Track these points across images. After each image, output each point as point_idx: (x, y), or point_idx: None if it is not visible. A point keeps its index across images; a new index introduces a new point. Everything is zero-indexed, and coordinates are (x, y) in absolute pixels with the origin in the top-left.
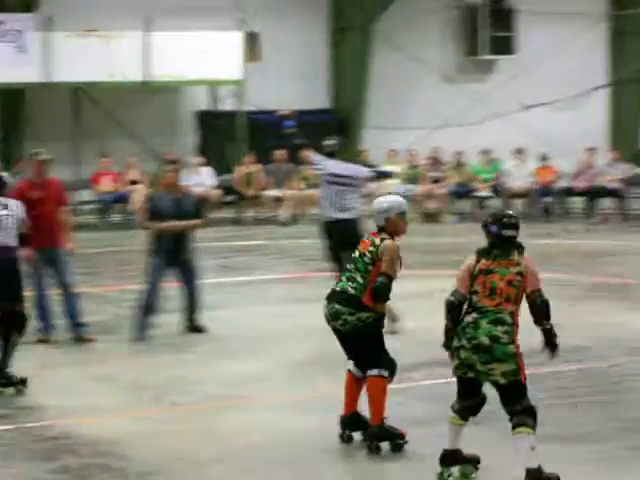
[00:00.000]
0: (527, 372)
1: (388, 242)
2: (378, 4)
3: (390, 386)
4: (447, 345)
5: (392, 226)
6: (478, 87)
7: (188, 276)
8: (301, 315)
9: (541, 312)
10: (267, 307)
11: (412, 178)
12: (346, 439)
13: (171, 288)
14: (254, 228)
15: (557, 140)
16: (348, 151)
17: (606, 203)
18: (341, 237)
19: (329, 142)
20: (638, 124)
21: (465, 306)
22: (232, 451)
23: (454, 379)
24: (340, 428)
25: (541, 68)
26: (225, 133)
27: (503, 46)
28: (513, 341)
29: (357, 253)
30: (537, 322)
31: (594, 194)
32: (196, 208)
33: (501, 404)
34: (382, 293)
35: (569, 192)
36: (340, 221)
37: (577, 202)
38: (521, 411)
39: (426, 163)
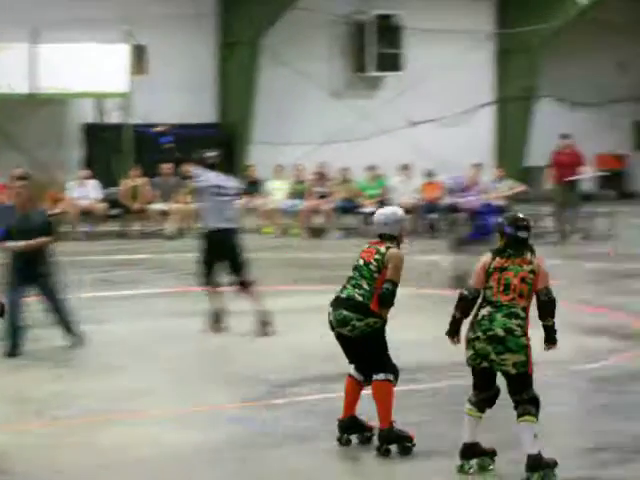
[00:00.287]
0: (405, 389)
1: (394, 250)
2: (266, 19)
3: (274, 401)
4: (450, 333)
5: (404, 234)
6: (365, 103)
7: (48, 292)
8: (183, 329)
9: (547, 309)
10: (149, 321)
11: (298, 193)
12: (344, 442)
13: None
14: (140, 242)
15: (443, 157)
16: (232, 165)
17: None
18: (221, 246)
19: (209, 154)
20: (523, 141)
21: (479, 300)
22: (114, 465)
23: (336, 395)
24: (338, 431)
25: (428, 85)
26: (111, 146)
27: (390, 63)
28: (525, 334)
29: (361, 261)
30: (541, 318)
31: (479, 211)
32: (45, 224)
33: (508, 393)
34: (388, 299)
35: (455, 208)
36: (223, 230)
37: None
38: (527, 400)
39: (312, 178)
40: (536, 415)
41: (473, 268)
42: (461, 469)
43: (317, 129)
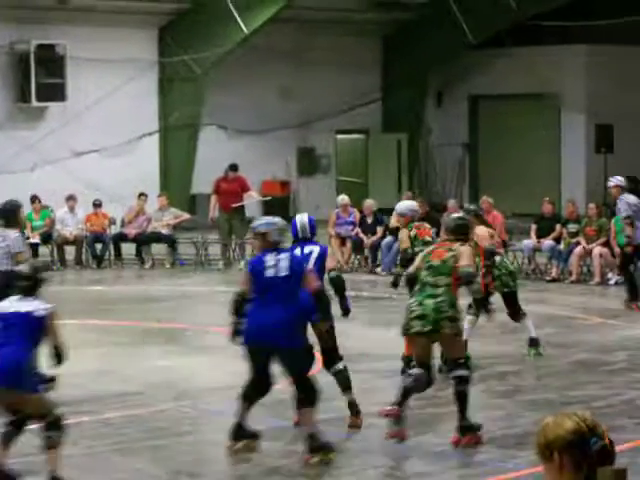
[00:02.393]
0: (68, 422)
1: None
2: None
3: None
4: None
5: None
6: (28, 134)
7: None
8: None
9: None
10: None
11: None
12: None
13: None
14: None
15: (110, 187)
16: None
17: (158, 249)
18: None
19: None
20: (188, 169)
21: None
22: None
23: None
24: (405, 366)
25: (93, 115)
26: None
27: (53, 93)
28: None
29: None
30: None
31: (145, 240)
32: None
33: (507, 305)
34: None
35: (121, 238)
36: None
37: (129, 248)
38: (520, 308)
39: None
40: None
41: None
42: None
43: None
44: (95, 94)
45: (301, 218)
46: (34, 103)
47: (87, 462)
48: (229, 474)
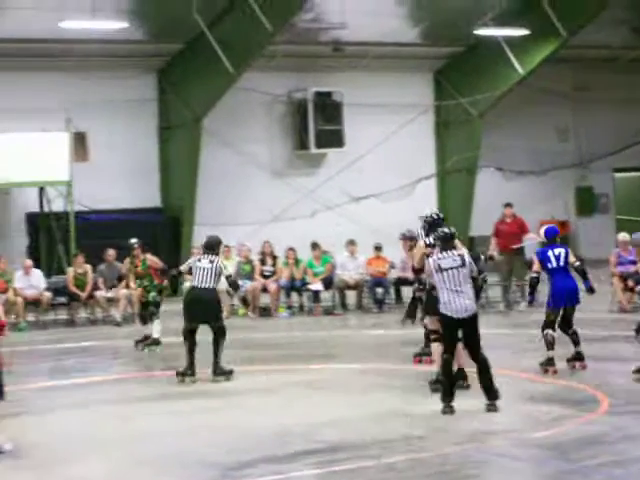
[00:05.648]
0: (353, 467)
1: None
2: (205, 101)
3: None
4: None
5: None
6: (308, 181)
7: None
8: (139, 415)
9: None
10: (101, 408)
11: (246, 273)
12: None
13: None
14: (88, 329)
15: (388, 230)
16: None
17: None
18: None
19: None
20: (467, 211)
21: None
22: None
23: (288, 475)
24: None
25: (369, 160)
26: (55, 234)
27: (331, 139)
28: None
29: None
30: None
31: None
32: None
33: None
34: None
35: (401, 282)
36: None
37: (410, 292)
38: None
39: (258, 258)
40: None
41: None
42: None
43: (260, 208)
44: (372, 139)
45: (552, 226)
46: (313, 150)
47: None
48: None
